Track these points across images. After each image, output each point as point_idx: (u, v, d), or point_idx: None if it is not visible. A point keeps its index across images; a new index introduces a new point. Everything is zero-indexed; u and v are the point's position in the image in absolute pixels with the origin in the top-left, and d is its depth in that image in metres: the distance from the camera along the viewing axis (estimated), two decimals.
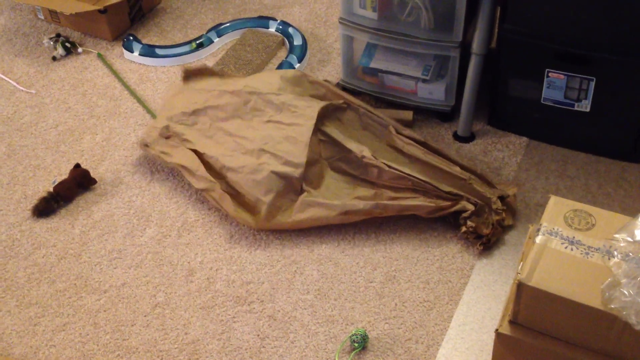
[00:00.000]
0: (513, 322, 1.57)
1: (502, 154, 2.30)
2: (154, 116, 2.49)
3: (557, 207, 1.60)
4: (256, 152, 2.17)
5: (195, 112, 2.31)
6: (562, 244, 1.53)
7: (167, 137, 2.30)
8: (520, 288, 1.49)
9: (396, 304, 1.94)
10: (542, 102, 2.21)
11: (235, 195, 2.16)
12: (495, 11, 2.19)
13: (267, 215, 2.11)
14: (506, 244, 2.06)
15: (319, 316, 1.92)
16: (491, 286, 1.96)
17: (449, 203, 2.07)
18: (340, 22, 2.38)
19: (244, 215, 2.12)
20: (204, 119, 2.30)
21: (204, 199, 2.22)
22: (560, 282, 1.47)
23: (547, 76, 2.15)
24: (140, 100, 2.56)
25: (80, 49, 2.79)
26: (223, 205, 2.14)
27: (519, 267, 1.55)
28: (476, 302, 1.93)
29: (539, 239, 1.54)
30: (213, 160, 2.20)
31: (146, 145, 2.30)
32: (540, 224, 1.57)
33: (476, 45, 2.19)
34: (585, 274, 1.47)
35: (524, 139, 2.34)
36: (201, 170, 2.17)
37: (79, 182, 2.25)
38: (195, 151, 2.23)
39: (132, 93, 2.60)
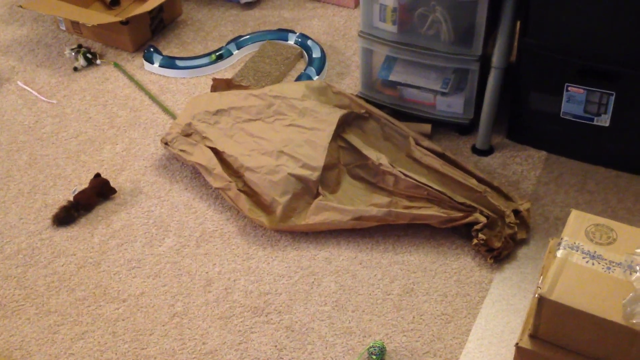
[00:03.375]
0: (533, 336, 1.56)
1: (521, 168, 2.30)
2: (173, 117, 2.52)
3: (578, 222, 1.59)
4: (275, 154, 2.19)
5: (218, 112, 2.34)
6: (584, 258, 1.52)
7: (188, 135, 2.32)
8: (541, 302, 1.48)
9: (414, 317, 1.93)
10: (561, 116, 2.21)
11: (252, 194, 2.18)
12: (515, 25, 2.20)
13: (281, 216, 2.12)
14: (525, 258, 2.05)
15: (336, 328, 1.92)
16: (510, 300, 1.95)
17: (461, 214, 2.07)
18: (359, 36, 2.39)
19: (259, 215, 2.13)
20: (226, 119, 2.32)
21: (222, 203, 2.23)
22: (582, 297, 1.46)
23: (567, 90, 2.15)
24: (159, 103, 2.59)
25: (98, 61, 2.82)
26: (238, 204, 2.15)
27: (540, 281, 1.54)
28: (495, 315, 1.92)
29: (560, 253, 1.53)
30: (232, 159, 2.23)
31: (166, 144, 2.33)
32: (562, 238, 1.56)
33: (496, 58, 2.19)
34: (607, 289, 1.46)
35: (543, 152, 2.33)
36: (218, 169, 2.19)
37: (99, 192, 2.27)
38: (214, 149, 2.25)
39: (153, 98, 2.62)
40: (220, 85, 2.54)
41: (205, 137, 2.30)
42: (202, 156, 2.25)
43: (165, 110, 2.57)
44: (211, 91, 2.54)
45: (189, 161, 2.28)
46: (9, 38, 2.98)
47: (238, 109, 2.33)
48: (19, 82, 2.76)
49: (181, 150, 2.30)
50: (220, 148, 2.25)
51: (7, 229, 2.22)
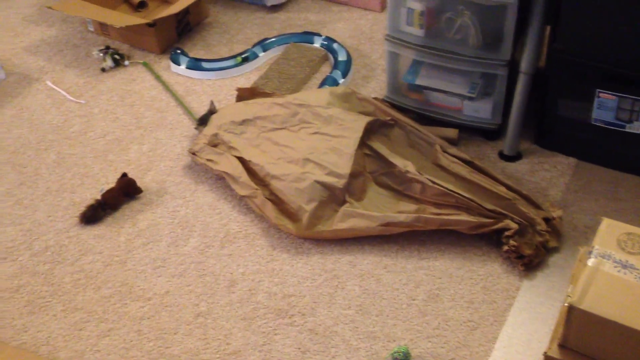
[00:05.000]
0: (562, 346, 1.54)
1: (550, 174, 2.27)
2: (194, 118, 2.53)
3: (609, 230, 1.57)
4: (301, 161, 2.19)
5: (244, 122, 2.34)
6: (615, 267, 1.50)
7: (215, 145, 2.33)
8: (571, 311, 1.47)
9: (439, 323, 1.92)
10: (592, 122, 2.18)
11: (278, 202, 2.18)
12: (544, 30, 2.18)
13: (308, 224, 2.11)
14: (553, 266, 2.03)
15: (360, 332, 1.91)
16: (537, 308, 1.93)
17: (491, 220, 2.05)
18: (386, 39, 2.38)
19: (285, 223, 2.13)
20: (252, 129, 2.33)
21: (247, 205, 2.24)
22: (613, 307, 1.44)
23: (598, 96, 2.12)
24: (183, 105, 2.60)
25: (127, 62, 2.85)
26: (265, 211, 2.15)
27: (569, 290, 1.52)
28: (522, 324, 1.90)
29: (591, 262, 1.51)
30: (258, 167, 2.23)
31: (194, 154, 2.34)
32: (592, 247, 1.54)
33: (525, 64, 2.17)
34: (639, 299, 1.44)
35: (572, 159, 2.31)
36: (244, 177, 2.19)
37: (126, 191, 2.29)
38: (240, 159, 2.26)
39: (178, 99, 2.64)
40: (244, 93, 2.55)
41: (231, 147, 2.30)
42: (228, 165, 2.26)
43: (188, 112, 2.58)
44: (236, 101, 2.55)
45: (215, 170, 2.29)
46: (38, 38, 3.02)
47: (263, 119, 2.34)
48: (47, 82, 2.79)
49: (208, 160, 2.31)
50: (246, 157, 2.26)
51: (35, 226, 2.24)
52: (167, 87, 2.72)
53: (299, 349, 1.88)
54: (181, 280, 2.06)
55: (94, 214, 2.23)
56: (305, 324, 1.93)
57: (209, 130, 2.37)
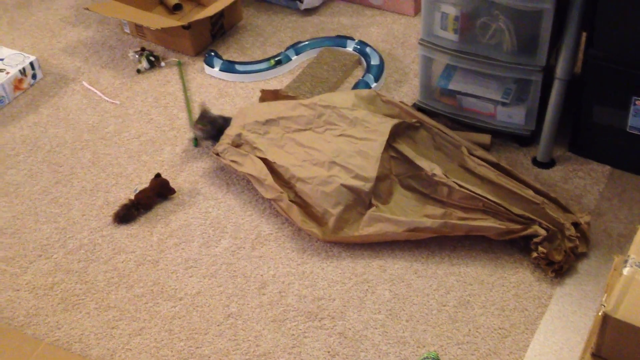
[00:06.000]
0: (596, 355, 1.51)
1: (584, 182, 2.25)
2: (191, 121, 2.58)
3: None
4: (327, 164, 2.19)
5: (268, 122, 2.35)
6: None
7: (239, 145, 2.34)
8: (606, 320, 1.44)
9: (470, 330, 1.90)
10: (627, 130, 2.15)
11: (303, 205, 2.18)
12: (581, 36, 2.16)
13: (334, 228, 2.12)
14: (585, 274, 2.00)
15: (390, 337, 1.91)
16: (570, 317, 1.91)
17: (520, 226, 2.03)
18: (420, 43, 2.38)
19: (311, 226, 2.13)
20: (276, 129, 2.33)
21: (274, 209, 2.25)
22: None
23: (634, 104, 2.09)
24: (189, 108, 2.64)
25: (163, 63, 2.88)
26: (291, 215, 2.16)
27: (604, 299, 1.50)
28: (554, 332, 1.88)
29: (626, 271, 1.49)
30: (283, 169, 2.23)
31: (217, 154, 2.36)
32: (628, 256, 1.52)
33: (560, 70, 2.15)
34: None
35: (607, 167, 2.28)
36: (269, 179, 2.20)
37: (159, 192, 2.32)
38: (265, 160, 2.27)
39: (187, 101, 2.67)
40: (268, 96, 2.55)
41: (255, 148, 2.30)
42: (252, 167, 2.26)
43: (188, 110, 2.62)
44: (259, 102, 2.56)
45: (240, 172, 2.29)
46: (75, 39, 3.07)
47: (287, 119, 2.34)
48: (84, 83, 2.83)
49: (232, 161, 2.31)
50: (270, 158, 2.26)
51: (70, 224, 2.28)
52: (184, 87, 2.74)
53: (329, 352, 1.88)
54: (212, 281, 2.08)
55: (127, 214, 2.26)
56: (334, 328, 1.94)
57: (232, 130, 2.38)
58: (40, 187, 2.42)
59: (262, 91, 2.57)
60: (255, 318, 1.98)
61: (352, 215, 2.14)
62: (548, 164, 2.31)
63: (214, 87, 2.77)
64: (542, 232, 2.00)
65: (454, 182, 2.11)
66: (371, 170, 2.15)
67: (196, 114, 2.50)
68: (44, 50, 3.01)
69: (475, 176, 2.18)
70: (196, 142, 2.44)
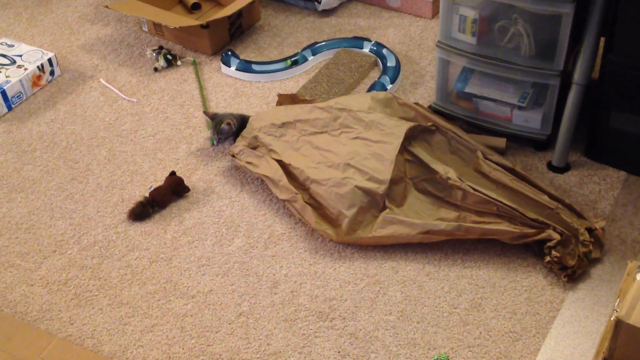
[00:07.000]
0: None
1: (599, 187, 2.23)
2: (205, 108, 2.61)
3: None
4: (342, 166, 2.19)
5: (284, 125, 2.36)
6: None
7: (255, 148, 2.35)
8: (618, 325, 1.44)
9: (481, 332, 1.90)
10: None
11: (318, 207, 2.19)
12: (599, 41, 2.14)
13: (348, 229, 2.12)
14: (598, 279, 1.99)
15: (400, 338, 1.90)
16: (582, 322, 1.89)
17: (534, 230, 2.03)
18: (437, 46, 2.38)
19: (325, 228, 2.14)
20: (292, 132, 2.34)
21: (287, 209, 2.26)
22: None
23: None
24: (205, 106, 2.66)
25: (179, 62, 2.90)
26: (305, 216, 2.17)
27: (617, 304, 1.49)
28: (565, 337, 1.87)
29: None
30: (298, 171, 2.24)
31: (233, 156, 2.37)
32: None
33: (578, 75, 2.14)
34: None
35: (622, 173, 2.26)
36: (284, 181, 2.21)
37: (174, 190, 2.33)
38: (280, 162, 2.28)
39: (203, 100, 2.68)
40: (285, 100, 2.57)
41: (271, 150, 2.32)
42: (268, 168, 2.27)
43: (204, 106, 2.65)
44: (276, 105, 2.58)
45: (255, 173, 2.31)
46: (94, 37, 3.10)
47: (304, 122, 2.35)
48: (101, 80, 2.86)
49: (247, 163, 2.32)
50: (286, 160, 2.27)
51: (85, 220, 2.30)
52: (200, 86, 2.76)
53: (339, 352, 1.89)
54: (225, 279, 2.09)
55: (142, 211, 2.28)
56: (345, 328, 1.94)
57: (248, 132, 2.39)
58: (56, 183, 2.44)
59: (279, 95, 2.58)
60: (267, 317, 1.98)
61: (366, 217, 2.14)
62: (563, 168, 2.30)
63: (230, 86, 2.78)
64: (556, 236, 2.00)
65: (468, 185, 2.11)
66: (386, 172, 2.15)
67: (211, 112, 2.51)
68: (63, 47, 3.04)
69: (490, 180, 2.18)
70: (213, 140, 2.45)
